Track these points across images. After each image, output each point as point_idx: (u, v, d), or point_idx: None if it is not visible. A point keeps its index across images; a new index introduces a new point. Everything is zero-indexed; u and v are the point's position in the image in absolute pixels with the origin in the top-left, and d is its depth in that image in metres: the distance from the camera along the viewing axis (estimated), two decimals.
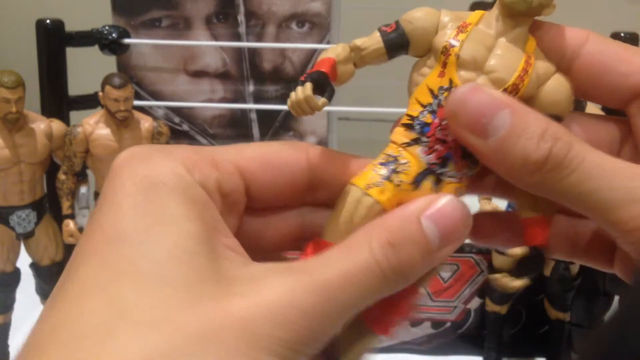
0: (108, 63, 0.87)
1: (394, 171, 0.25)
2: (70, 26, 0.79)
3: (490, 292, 0.75)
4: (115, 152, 0.70)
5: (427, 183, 0.25)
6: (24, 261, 0.73)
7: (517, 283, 0.26)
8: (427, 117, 0.25)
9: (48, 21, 0.76)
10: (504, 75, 0.25)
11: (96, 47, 0.80)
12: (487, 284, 0.75)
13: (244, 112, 0.92)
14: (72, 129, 0.69)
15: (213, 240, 0.21)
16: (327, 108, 1.07)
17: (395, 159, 0.25)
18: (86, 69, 0.82)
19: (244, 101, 0.91)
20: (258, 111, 0.91)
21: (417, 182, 0.25)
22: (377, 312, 0.24)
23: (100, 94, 0.68)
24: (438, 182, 0.25)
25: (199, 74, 0.91)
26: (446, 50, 0.25)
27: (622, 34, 0.75)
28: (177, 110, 0.92)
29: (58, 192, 0.71)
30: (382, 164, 0.25)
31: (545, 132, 0.23)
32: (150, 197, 0.21)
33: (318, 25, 0.89)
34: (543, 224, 0.26)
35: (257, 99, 0.91)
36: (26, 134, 0.68)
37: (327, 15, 0.89)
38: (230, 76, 0.91)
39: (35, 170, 0.70)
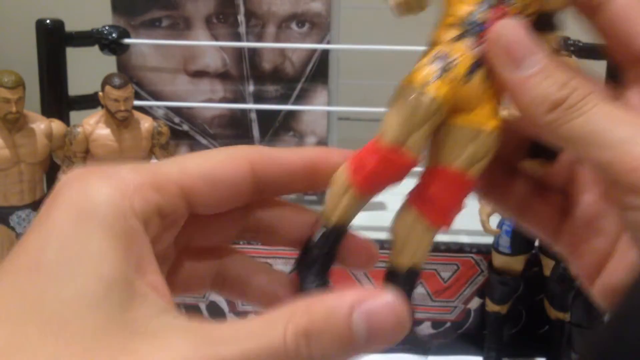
0: (108, 63, 0.87)
1: (449, 64, 0.24)
2: (70, 26, 0.79)
3: (490, 292, 0.75)
4: (116, 152, 0.70)
5: (477, 77, 0.24)
6: None
7: None
8: (482, 15, 0.24)
9: (48, 21, 0.76)
10: None
11: (96, 47, 0.80)
12: (487, 284, 0.75)
13: (244, 112, 0.92)
14: (72, 129, 0.69)
15: (133, 280, 0.21)
16: (327, 108, 1.06)
17: (446, 55, 0.24)
18: (86, 69, 0.82)
19: (244, 101, 0.91)
20: (258, 111, 0.91)
21: (469, 74, 0.24)
22: (433, 206, 0.24)
23: (100, 94, 0.68)
24: (490, 75, 0.24)
25: (199, 74, 0.91)
26: None
27: None
28: (177, 110, 0.92)
29: None
30: (433, 61, 0.24)
31: (569, 82, 0.24)
32: (78, 229, 0.21)
33: (318, 25, 0.89)
34: None
35: (257, 99, 0.91)
36: (26, 134, 0.68)
37: (327, 15, 0.89)
38: (230, 76, 0.91)
39: (35, 170, 0.70)
